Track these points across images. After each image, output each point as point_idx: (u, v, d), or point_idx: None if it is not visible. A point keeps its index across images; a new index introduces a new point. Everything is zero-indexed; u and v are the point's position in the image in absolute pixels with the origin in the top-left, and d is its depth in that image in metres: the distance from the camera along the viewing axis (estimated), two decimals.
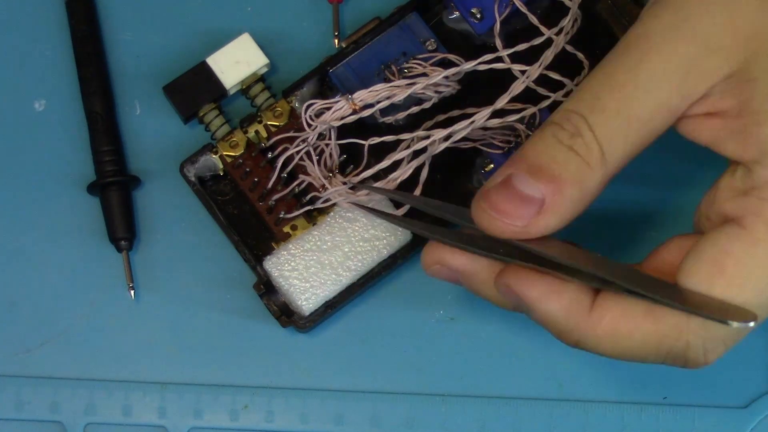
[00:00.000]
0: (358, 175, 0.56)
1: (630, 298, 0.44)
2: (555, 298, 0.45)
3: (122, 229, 0.58)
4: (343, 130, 0.56)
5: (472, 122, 0.53)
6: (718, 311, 0.43)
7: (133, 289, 0.59)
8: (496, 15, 0.56)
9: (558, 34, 0.55)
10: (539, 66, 0.54)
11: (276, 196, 0.57)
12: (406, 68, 0.57)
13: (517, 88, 0.53)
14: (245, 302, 0.59)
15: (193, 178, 0.57)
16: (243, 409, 0.58)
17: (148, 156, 0.60)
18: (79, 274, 0.59)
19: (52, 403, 0.58)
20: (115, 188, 0.59)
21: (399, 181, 0.55)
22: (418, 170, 0.55)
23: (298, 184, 0.57)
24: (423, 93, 0.56)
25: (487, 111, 0.53)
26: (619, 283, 0.44)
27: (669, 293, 0.43)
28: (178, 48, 0.61)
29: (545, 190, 0.44)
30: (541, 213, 0.44)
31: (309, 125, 0.56)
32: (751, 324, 0.42)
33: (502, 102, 0.53)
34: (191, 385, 0.58)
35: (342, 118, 0.55)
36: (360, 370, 0.59)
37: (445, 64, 0.57)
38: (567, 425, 0.58)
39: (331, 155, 0.56)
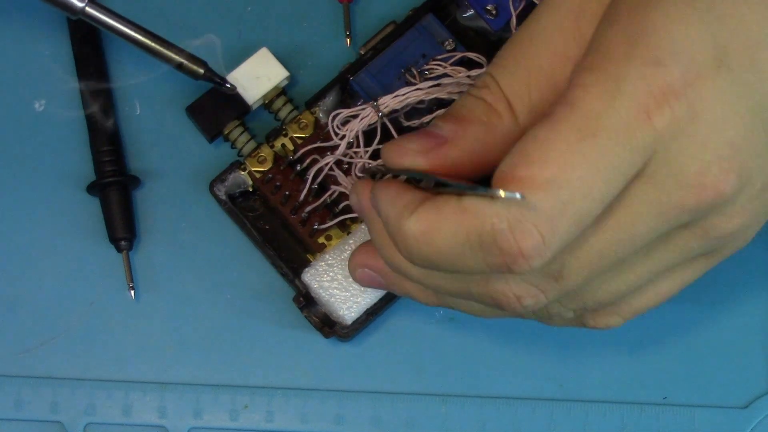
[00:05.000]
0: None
1: (445, 196, 0.44)
2: (393, 201, 0.45)
3: (122, 229, 0.58)
4: (367, 137, 0.56)
5: None
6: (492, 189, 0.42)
7: (133, 289, 0.59)
8: (512, 10, 0.57)
9: None
10: None
11: (308, 208, 0.57)
12: (426, 70, 0.57)
13: None
14: (245, 302, 0.59)
15: (223, 197, 0.57)
16: (243, 409, 0.58)
17: (148, 156, 0.60)
18: (79, 274, 0.59)
19: (52, 403, 0.58)
20: (115, 188, 0.59)
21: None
22: None
23: (330, 195, 0.57)
24: (448, 95, 0.56)
25: None
26: (430, 177, 0.45)
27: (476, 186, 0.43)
28: None
29: (449, 128, 0.46)
30: (443, 144, 0.46)
31: (336, 134, 0.56)
32: (517, 195, 0.41)
33: None
34: (191, 385, 0.58)
35: (369, 126, 0.56)
36: (360, 370, 0.59)
37: (465, 62, 0.58)
38: (567, 425, 0.58)
39: (364, 166, 0.56)
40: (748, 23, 0.42)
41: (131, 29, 0.56)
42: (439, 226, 0.43)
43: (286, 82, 0.59)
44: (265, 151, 0.58)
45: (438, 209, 0.44)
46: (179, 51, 0.57)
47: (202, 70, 0.57)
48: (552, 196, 0.41)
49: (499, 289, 0.46)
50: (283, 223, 0.58)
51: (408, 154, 0.46)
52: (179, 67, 0.56)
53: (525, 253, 0.42)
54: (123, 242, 0.59)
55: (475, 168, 0.46)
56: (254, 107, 0.59)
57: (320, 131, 0.58)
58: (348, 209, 0.57)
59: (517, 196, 0.41)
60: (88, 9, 0.55)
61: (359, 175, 0.56)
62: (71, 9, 0.55)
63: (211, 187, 0.57)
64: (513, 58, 0.46)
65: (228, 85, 0.57)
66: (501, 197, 0.41)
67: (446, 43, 0.58)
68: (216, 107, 0.58)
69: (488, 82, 0.46)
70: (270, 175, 0.58)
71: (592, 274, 0.45)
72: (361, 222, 0.57)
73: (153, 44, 0.56)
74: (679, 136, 0.42)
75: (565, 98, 0.42)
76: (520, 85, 0.46)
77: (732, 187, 0.43)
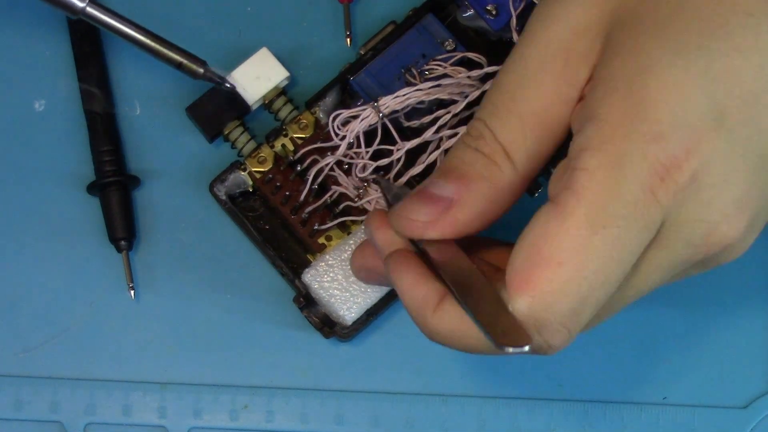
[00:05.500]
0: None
1: None
2: (410, 292, 0.46)
3: (122, 229, 0.58)
4: (368, 137, 0.56)
5: None
6: (500, 334, 0.42)
7: (133, 289, 0.59)
8: (512, 10, 0.57)
9: None
10: None
11: (309, 209, 0.57)
12: (426, 70, 0.57)
13: None
14: (245, 302, 0.59)
15: (224, 197, 0.57)
16: (243, 409, 0.58)
17: (148, 156, 0.60)
18: (79, 274, 0.59)
19: (52, 403, 0.58)
20: (114, 188, 0.59)
21: None
22: None
23: (330, 195, 0.57)
24: (448, 96, 0.56)
25: None
26: (455, 295, 0.44)
27: (488, 304, 0.43)
28: None
29: (454, 187, 0.45)
30: (450, 208, 0.45)
31: (336, 135, 0.56)
32: (526, 348, 0.41)
33: None
34: (191, 385, 0.58)
35: (369, 126, 0.56)
36: (360, 370, 0.59)
37: (465, 62, 0.57)
38: (567, 425, 0.58)
39: (364, 167, 0.56)
40: (743, 76, 0.42)
41: (132, 29, 0.56)
42: (466, 332, 0.44)
43: (286, 82, 0.59)
44: (266, 152, 0.58)
45: (461, 317, 0.44)
46: (179, 51, 0.57)
47: (201, 70, 0.57)
48: (572, 295, 0.42)
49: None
50: (284, 223, 0.58)
51: (418, 228, 0.46)
52: (179, 66, 0.56)
53: (556, 347, 0.43)
54: (123, 242, 0.59)
55: (483, 224, 0.46)
56: (254, 107, 0.59)
57: (320, 131, 0.58)
58: (348, 210, 0.57)
59: (526, 349, 0.41)
60: (88, 9, 0.55)
61: (363, 179, 0.56)
62: (72, 9, 0.55)
63: (211, 187, 0.57)
64: (504, 103, 0.45)
65: (228, 85, 0.57)
66: (509, 352, 0.41)
67: (446, 43, 0.58)
68: (216, 107, 0.58)
69: (482, 130, 0.45)
70: (270, 176, 0.58)
71: (602, 319, 0.46)
72: (361, 222, 0.57)
73: (153, 44, 0.56)
74: (685, 203, 0.42)
75: (570, 184, 0.42)
76: (515, 132, 0.45)
77: (739, 236, 0.43)
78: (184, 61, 0.56)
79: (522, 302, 0.42)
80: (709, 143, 0.42)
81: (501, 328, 0.42)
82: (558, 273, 0.42)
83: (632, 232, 0.42)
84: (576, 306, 0.42)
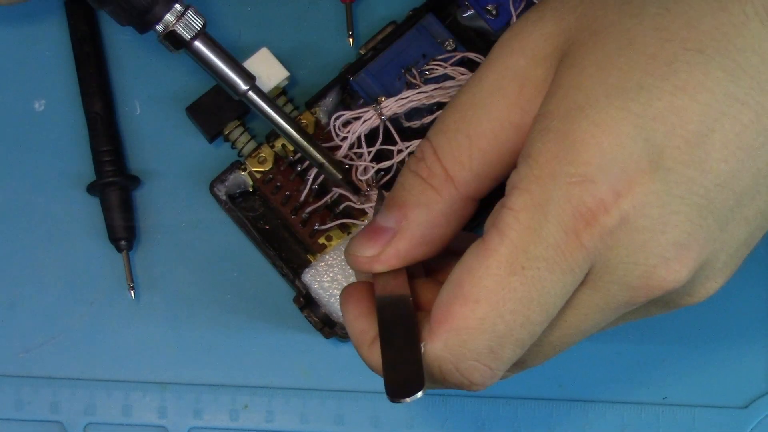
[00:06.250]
0: (391, 182, 0.56)
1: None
2: (351, 326, 0.46)
3: (122, 229, 0.58)
4: (367, 138, 0.56)
5: None
6: (394, 388, 0.42)
7: (133, 289, 0.59)
8: (512, 10, 0.57)
9: None
10: None
11: (309, 209, 0.57)
12: (426, 70, 0.57)
13: None
14: (245, 302, 0.59)
15: (224, 197, 0.57)
16: (243, 409, 0.58)
17: (148, 156, 0.60)
18: (79, 274, 0.59)
19: (52, 403, 0.58)
20: (114, 188, 0.59)
21: None
22: None
23: (331, 196, 0.57)
24: (449, 98, 0.56)
25: None
26: (380, 336, 0.45)
27: (403, 347, 0.44)
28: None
29: (395, 217, 0.45)
30: (393, 241, 0.45)
31: (337, 136, 0.56)
32: (409, 400, 0.42)
33: None
34: (191, 385, 0.58)
35: (370, 128, 0.56)
36: (360, 370, 0.59)
37: (465, 62, 0.58)
38: (567, 425, 0.58)
39: (366, 169, 0.56)
40: (687, 116, 0.40)
41: (286, 122, 0.55)
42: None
43: (286, 82, 0.59)
44: (266, 152, 0.58)
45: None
46: (323, 151, 0.56)
47: (340, 175, 0.56)
48: (488, 333, 0.42)
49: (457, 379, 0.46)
50: (284, 223, 0.58)
51: (365, 263, 0.46)
52: (320, 166, 0.55)
53: (477, 383, 0.44)
54: (123, 242, 0.59)
55: (429, 249, 0.46)
56: None
57: (320, 132, 0.58)
58: (348, 211, 0.57)
59: (418, 395, 0.42)
60: (250, 93, 0.55)
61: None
62: (235, 90, 0.55)
63: (211, 187, 0.57)
64: (454, 123, 0.45)
65: (358, 199, 0.57)
66: (405, 401, 0.42)
67: (446, 43, 0.58)
68: (216, 107, 0.58)
69: (425, 151, 0.45)
70: (270, 176, 0.58)
71: (548, 357, 0.46)
72: (361, 222, 0.57)
73: (302, 140, 0.55)
74: (615, 247, 0.41)
75: (497, 222, 0.42)
76: (461, 152, 0.45)
77: (684, 278, 0.42)
78: (326, 163, 0.55)
79: (439, 338, 0.43)
80: (642, 186, 0.40)
81: (402, 378, 0.42)
82: (474, 310, 0.42)
83: (555, 274, 0.41)
84: (492, 344, 0.42)
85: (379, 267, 0.46)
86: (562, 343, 0.45)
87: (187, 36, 0.53)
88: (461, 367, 0.43)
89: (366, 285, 0.47)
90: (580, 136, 0.41)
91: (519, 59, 0.44)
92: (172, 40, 0.53)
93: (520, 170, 0.42)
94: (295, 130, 0.55)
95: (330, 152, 0.56)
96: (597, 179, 0.41)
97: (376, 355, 0.45)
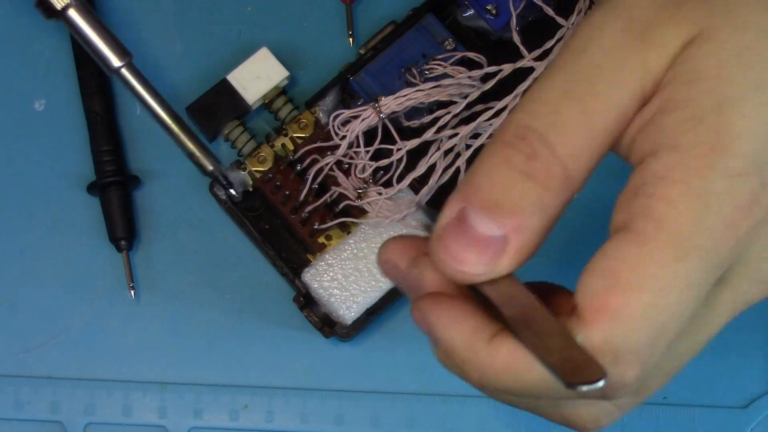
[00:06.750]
0: (390, 181, 0.56)
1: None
2: (456, 326, 0.41)
3: (122, 229, 0.58)
4: (366, 137, 0.56)
5: (499, 113, 0.54)
6: (570, 371, 0.38)
7: (133, 289, 0.59)
8: (512, 10, 0.57)
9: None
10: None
11: (309, 208, 0.57)
12: (426, 70, 0.57)
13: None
14: (245, 302, 0.59)
15: (223, 197, 0.57)
16: (243, 409, 0.58)
17: (148, 156, 0.60)
18: (79, 274, 0.59)
19: (52, 403, 0.58)
20: (115, 188, 0.59)
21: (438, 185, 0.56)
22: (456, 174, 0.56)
23: (330, 195, 0.57)
24: (448, 97, 0.56)
25: (509, 98, 0.54)
26: (511, 328, 0.40)
27: (552, 337, 0.39)
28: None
29: (506, 228, 0.40)
30: (505, 253, 0.40)
31: (336, 135, 0.56)
32: (600, 384, 0.38)
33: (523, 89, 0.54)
34: (191, 385, 0.58)
35: (368, 126, 0.56)
36: (360, 370, 0.59)
37: (465, 62, 0.57)
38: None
39: (364, 167, 0.56)
40: None
41: (158, 104, 0.55)
42: (526, 368, 0.40)
43: (286, 82, 0.59)
44: (266, 151, 0.58)
45: (520, 352, 0.40)
46: (197, 142, 0.55)
47: (211, 167, 0.55)
48: (652, 323, 0.40)
49: (577, 412, 0.43)
50: (283, 223, 0.58)
51: (470, 278, 0.41)
52: (191, 156, 0.55)
53: (629, 384, 0.40)
54: (123, 242, 0.59)
55: (534, 253, 0.41)
56: (254, 107, 0.59)
57: (320, 131, 0.58)
58: (348, 210, 0.57)
59: (599, 385, 0.38)
60: (123, 70, 0.54)
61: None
62: (109, 66, 0.54)
63: (211, 187, 0.57)
64: (576, 118, 0.40)
65: (234, 193, 0.57)
66: (582, 390, 0.38)
67: (446, 43, 0.58)
68: (216, 107, 0.58)
69: (538, 149, 0.40)
70: (270, 175, 0.58)
71: (669, 376, 0.44)
72: (361, 222, 0.57)
73: (174, 126, 0.54)
74: (755, 241, 0.41)
75: (649, 212, 0.40)
76: (583, 151, 0.40)
77: None
78: (197, 153, 0.55)
79: (598, 329, 0.39)
80: None
81: (571, 365, 0.38)
82: (639, 298, 0.39)
83: (711, 265, 0.40)
84: (654, 336, 0.40)
85: (487, 277, 0.41)
86: (689, 351, 0.44)
87: (59, 5, 0.51)
88: (621, 363, 0.40)
89: (446, 287, 0.42)
90: (737, 130, 0.40)
91: (645, 4, 0.41)
92: (44, 7, 0.52)
93: (665, 160, 0.40)
94: (168, 116, 0.54)
95: (202, 143, 0.55)
96: (751, 171, 0.40)
97: (502, 351, 0.40)
